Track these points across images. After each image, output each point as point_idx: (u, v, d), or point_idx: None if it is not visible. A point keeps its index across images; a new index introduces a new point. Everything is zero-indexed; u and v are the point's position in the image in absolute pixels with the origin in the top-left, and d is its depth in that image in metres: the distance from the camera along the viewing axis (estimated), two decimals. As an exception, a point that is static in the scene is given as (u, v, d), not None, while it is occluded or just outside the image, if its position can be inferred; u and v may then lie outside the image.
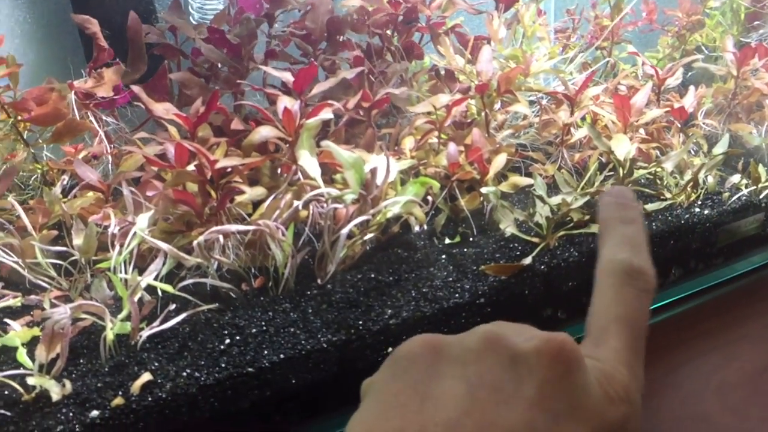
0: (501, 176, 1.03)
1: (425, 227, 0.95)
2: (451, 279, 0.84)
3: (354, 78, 1.09)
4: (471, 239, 0.93)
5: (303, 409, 0.76)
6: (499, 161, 0.98)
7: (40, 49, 1.22)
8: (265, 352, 0.72)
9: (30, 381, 0.66)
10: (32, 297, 0.80)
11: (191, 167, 0.86)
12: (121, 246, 0.79)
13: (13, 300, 0.79)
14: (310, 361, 0.73)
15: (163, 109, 0.93)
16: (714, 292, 1.02)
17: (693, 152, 1.15)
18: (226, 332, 0.75)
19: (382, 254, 0.89)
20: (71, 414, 0.65)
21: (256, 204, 0.91)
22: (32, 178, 1.03)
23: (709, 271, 1.04)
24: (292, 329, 0.76)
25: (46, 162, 1.01)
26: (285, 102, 0.88)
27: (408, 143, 1.03)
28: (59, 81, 0.99)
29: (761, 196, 1.03)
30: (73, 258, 0.84)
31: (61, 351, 0.68)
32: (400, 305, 0.79)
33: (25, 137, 0.98)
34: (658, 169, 1.03)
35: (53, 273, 0.83)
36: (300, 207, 0.83)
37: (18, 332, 0.73)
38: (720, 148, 1.05)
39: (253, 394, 0.71)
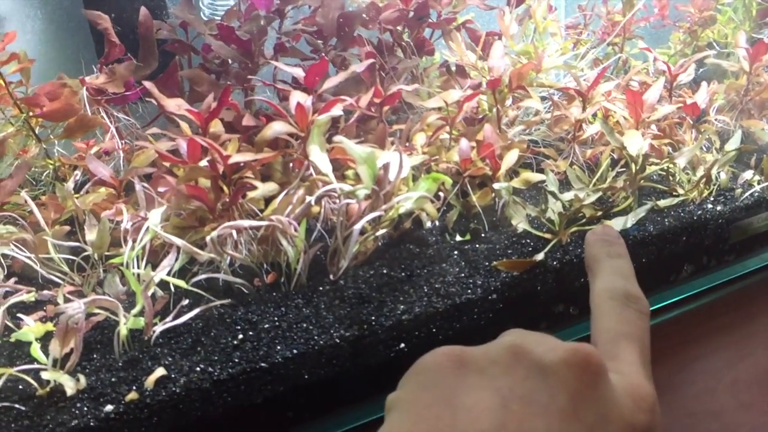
0: (513, 172, 1.03)
1: (437, 223, 0.95)
2: (463, 275, 0.83)
3: (365, 73, 1.09)
4: (483, 235, 0.92)
5: (316, 404, 0.76)
6: (511, 157, 0.98)
7: (51, 45, 1.22)
8: (278, 347, 0.72)
9: (44, 376, 0.67)
10: (45, 292, 0.80)
11: (204, 163, 0.86)
12: (134, 241, 0.79)
13: (27, 295, 0.79)
14: (322, 357, 0.73)
15: (175, 105, 0.93)
16: (726, 288, 1.02)
17: (705, 148, 1.14)
18: (239, 327, 0.75)
19: (394, 250, 0.89)
20: (86, 408, 0.65)
21: (268, 200, 0.91)
22: (44, 174, 1.03)
23: (722, 267, 1.03)
24: (304, 325, 0.76)
25: (58, 158, 1.01)
26: (297, 97, 0.88)
27: (419, 139, 1.03)
28: (71, 77, 1.00)
29: (774, 193, 1.03)
30: (86, 253, 0.84)
31: (75, 346, 0.69)
32: (413, 301, 0.79)
33: (37, 133, 0.98)
34: (671, 165, 1.03)
35: (66, 268, 0.83)
36: (312, 203, 0.83)
37: (32, 327, 0.73)
38: (732, 145, 1.05)
39: (266, 389, 0.71)
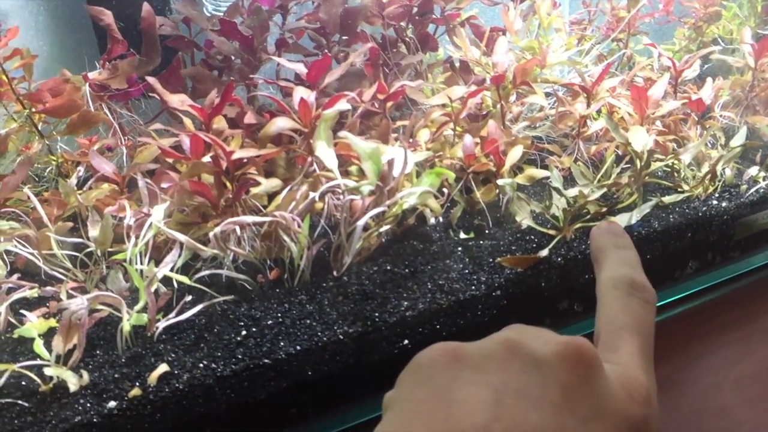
0: (517, 168, 1.03)
1: (441, 219, 0.95)
2: (467, 271, 0.83)
3: (368, 69, 1.09)
4: (487, 231, 0.92)
5: (319, 400, 0.76)
6: (515, 153, 0.97)
7: (54, 41, 1.22)
8: (282, 343, 0.72)
9: (47, 372, 0.66)
10: (48, 288, 0.80)
11: (207, 159, 0.85)
12: (137, 238, 0.79)
13: (30, 291, 0.79)
14: (326, 353, 0.73)
15: (178, 101, 0.93)
16: (731, 285, 1.02)
17: (710, 145, 1.14)
18: (242, 324, 0.75)
19: (397, 246, 0.89)
20: (89, 404, 0.64)
21: (272, 196, 0.91)
22: (47, 170, 1.03)
23: (727, 264, 1.03)
24: (308, 321, 0.75)
25: (60, 154, 1.01)
26: (301, 93, 0.88)
27: (423, 135, 1.02)
28: (73, 73, 0.99)
29: (780, 189, 1.03)
30: (89, 249, 0.84)
31: (78, 342, 0.68)
32: (416, 297, 0.79)
33: (39, 129, 0.98)
34: (676, 162, 1.02)
35: (69, 264, 0.83)
36: (316, 198, 0.82)
37: (35, 323, 0.73)
38: (738, 141, 1.04)
39: (269, 385, 0.71)
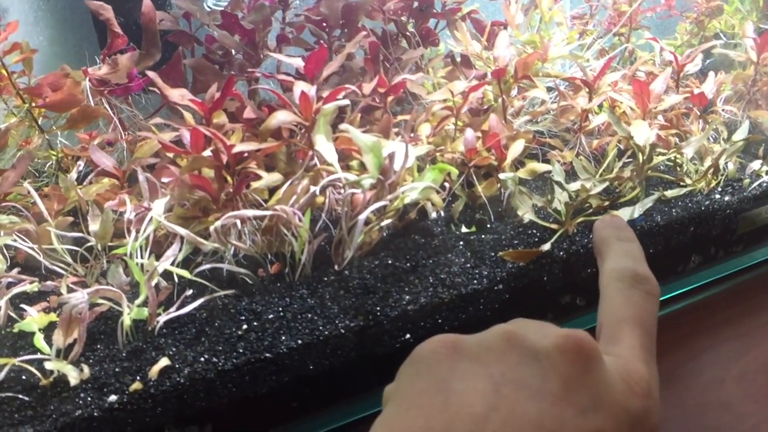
0: (518, 163, 1.02)
1: (442, 214, 0.94)
2: (469, 265, 0.83)
3: (369, 64, 1.09)
4: (488, 226, 0.92)
5: (321, 395, 0.75)
6: (517, 147, 0.97)
7: (54, 36, 1.21)
8: (283, 337, 0.72)
9: (48, 366, 0.66)
10: (49, 283, 0.80)
11: (207, 152, 0.85)
12: (137, 232, 0.79)
13: (30, 286, 0.78)
14: (327, 347, 0.73)
15: (178, 95, 0.93)
16: (734, 279, 1.01)
17: (712, 139, 1.13)
18: (243, 318, 0.75)
19: (399, 240, 0.88)
20: (89, 398, 0.64)
21: (273, 190, 0.90)
22: (47, 165, 1.03)
23: (729, 258, 1.03)
24: (309, 315, 0.75)
25: (61, 149, 1.00)
26: (302, 86, 0.87)
27: (424, 130, 1.02)
28: (73, 68, 0.99)
29: (782, 183, 1.02)
30: (89, 244, 0.83)
31: (79, 336, 0.68)
32: (418, 291, 0.79)
33: (39, 123, 0.98)
34: (678, 156, 1.02)
35: (69, 259, 0.83)
36: (317, 192, 0.82)
37: (35, 318, 0.73)
38: (740, 135, 1.04)
39: (271, 379, 0.71)
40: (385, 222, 0.86)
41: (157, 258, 0.77)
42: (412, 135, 1.01)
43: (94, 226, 0.83)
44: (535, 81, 1.07)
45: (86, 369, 0.67)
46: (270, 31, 1.10)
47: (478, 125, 1.03)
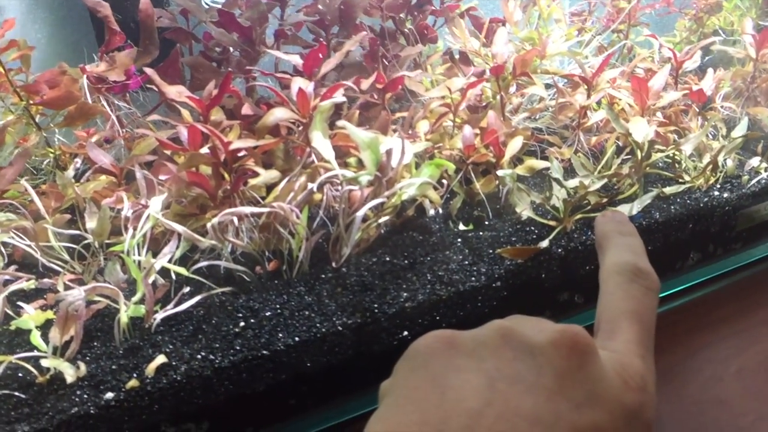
0: (517, 159, 1.02)
1: (440, 211, 0.94)
2: (467, 262, 0.83)
3: (367, 61, 1.08)
4: (487, 222, 0.92)
5: (318, 392, 0.75)
6: (515, 144, 0.97)
7: (52, 34, 1.21)
8: (280, 335, 0.72)
9: (44, 363, 0.66)
10: (46, 280, 0.80)
11: (205, 150, 0.85)
12: (135, 229, 0.79)
13: (27, 283, 0.78)
14: (325, 344, 0.73)
15: (176, 92, 0.92)
16: (733, 276, 1.01)
17: (711, 136, 1.13)
18: (240, 315, 0.74)
19: (397, 237, 0.88)
20: (86, 396, 0.64)
21: (270, 187, 0.90)
22: (45, 163, 1.03)
23: (728, 255, 1.02)
24: (306, 312, 0.75)
25: (58, 146, 1.00)
26: (299, 83, 0.87)
27: (422, 127, 1.02)
28: (71, 65, 0.99)
29: (781, 180, 1.02)
30: (87, 241, 0.83)
31: (76, 333, 0.68)
32: (416, 288, 0.78)
33: (37, 121, 0.98)
34: (677, 152, 1.02)
35: (66, 256, 0.83)
36: (314, 189, 0.82)
37: (32, 315, 0.73)
38: (739, 132, 1.04)
39: (268, 376, 0.71)
40: (383, 219, 0.86)
41: (155, 255, 0.77)
42: (410, 132, 1.01)
43: (91, 223, 0.83)
44: (534, 78, 1.07)
45: (83, 366, 0.67)
46: (267, 28, 1.10)
47: (477, 122, 1.03)
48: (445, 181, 0.94)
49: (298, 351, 0.71)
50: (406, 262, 0.83)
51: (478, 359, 0.40)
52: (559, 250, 0.85)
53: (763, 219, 1.02)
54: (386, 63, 1.14)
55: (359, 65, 1.10)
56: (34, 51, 0.97)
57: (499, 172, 0.91)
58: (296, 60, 0.96)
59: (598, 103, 1.12)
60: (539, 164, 0.99)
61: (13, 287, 0.76)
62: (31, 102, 0.95)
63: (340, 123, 0.84)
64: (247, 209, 0.80)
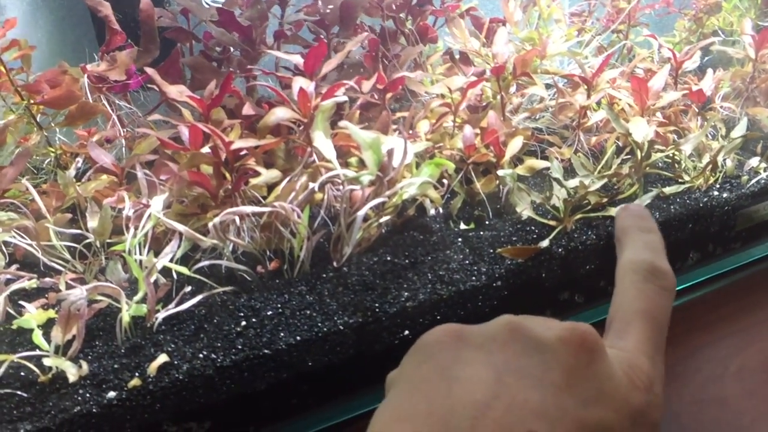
0: (517, 159, 1.02)
1: (441, 210, 0.95)
2: (467, 262, 0.83)
3: (368, 61, 1.09)
4: (487, 222, 0.92)
5: (320, 391, 0.75)
6: (516, 144, 0.97)
7: (53, 33, 1.21)
8: (282, 334, 0.72)
9: (46, 362, 0.66)
10: (47, 279, 0.80)
11: (206, 149, 0.85)
12: (136, 228, 0.79)
13: (28, 282, 0.78)
14: (326, 344, 0.73)
15: (177, 92, 0.93)
16: (732, 276, 1.01)
17: (711, 136, 1.13)
18: (242, 314, 0.75)
19: (397, 237, 0.88)
20: (88, 395, 0.64)
21: (271, 187, 0.90)
22: (46, 162, 1.03)
23: (728, 255, 1.03)
24: (308, 312, 0.75)
25: (59, 145, 1.00)
26: (300, 82, 0.87)
27: (423, 126, 1.02)
28: (72, 65, 0.99)
29: (781, 180, 1.02)
30: (88, 241, 0.83)
31: (78, 332, 0.68)
32: (417, 288, 0.79)
33: (38, 120, 0.98)
34: (676, 152, 1.02)
35: (68, 256, 0.83)
36: (315, 189, 0.82)
37: (33, 314, 0.73)
38: (738, 132, 1.04)
39: (270, 376, 0.71)
40: (384, 218, 0.86)
41: (156, 255, 0.77)
42: (410, 132, 1.01)
43: (92, 222, 0.83)
44: (534, 78, 1.07)
45: (85, 365, 0.67)
46: (267, 27, 1.10)
47: (477, 122, 1.03)
48: (445, 181, 0.94)
49: (300, 350, 0.71)
50: (407, 261, 0.83)
51: (486, 353, 0.40)
52: (560, 250, 0.85)
53: (763, 219, 1.03)
54: (386, 63, 1.14)
55: (359, 65, 1.10)
56: (35, 50, 0.98)
57: (500, 172, 0.91)
58: (297, 59, 0.96)
59: (598, 103, 1.12)
60: (539, 164, 0.99)
61: (14, 286, 0.76)
62: (32, 101, 0.95)
63: (342, 123, 0.84)
64: (249, 209, 0.80)
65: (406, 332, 0.76)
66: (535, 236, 0.88)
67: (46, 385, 0.66)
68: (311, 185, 0.82)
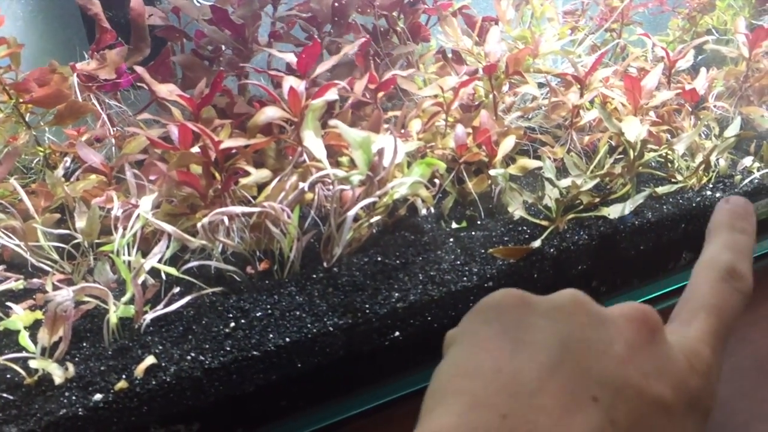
0: (509, 159, 1.02)
1: (432, 210, 0.94)
2: (459, 262, 0.82)
3: (360, 60, 1.08)
4: (479, 222, 0.91)
5: (309, 393, 0.75)
6: (508, 143, 0.97)
7: (43, 32, 1.20)
8: (271, 335, 0.71)
9: (32, 364, 0.66)
10: (35, 280, 0.79)
11: (195, 149, 0.84)
12: (125, 229, 0.78)
13: (15, 283, 0.78)
14: (316, 345, 0.72)
15: (167, 91, 0.92)
16: (725, 276, 1.01)
17: (704, 135, 1.13)
18: (230, 315, 0.74)
19: (388, 237, 0.88)
20: (74, 397, 0.64)
21: (261, 187, 0.90)
22: (34, 162, 1.02)
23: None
24: (297, 313, 0.74)
25: (48, 145, 1.00)
26: (290, 82, 0.87)
27: (415, 126, 1.01)
28: (61, 63, 0.98)
29: (774, 179, 1.02)
30: (76, 241, 0.83)
31: (64, 334, 0.67)
32: (408, 288, 0.78)
33: (26, 119, 0.97)
34: (669, 152, 1.02)
35: (56, 256, 0.82)
36: (306, 189, 0.81)
37: (20, 316, 0.72)
38: (732, 131, 1.03)
39: (259, 377, 0.70)
40: (375, 218, 0.85)
41: (145, 255, 0.77)
42: (402, 131, 1.01)
43: (80, 223, 0.83)
44: (527, 77, 1.07)
45: (71, 367, 0.66)
46: (260, 25, 1.09)
47: (469, 121, 1.02)
48: (437, 181, 0.94)
49: (289, 352, 0.71)
50: (397, 262, 0.83)
51: (551, 320, 0.41)
52: (552, 250, 0.85)
53: (756, 218, 1.02)
54: (378, 62, 1.14)
55: (351, 64, 1.10)
56: (24, 49, 0.97)
57: (492, 172, 0.91)
58: (291, 58, 0.96)
59: (591, 102, 1.12)
60: (532, 163, 0.98)
61: (1, 287, 0.76)
62: (21, 100, 0.94)
63: (332, 122, 0.84)
64: (238, 209, 0.79)
65: (396, 333, 0.76)
66: (527, 236, 0.87)
67: (32, 388, 0.65)
68: (301, 185, 0.82)
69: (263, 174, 0.88)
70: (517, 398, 0.36)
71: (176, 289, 0.77)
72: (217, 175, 0.85)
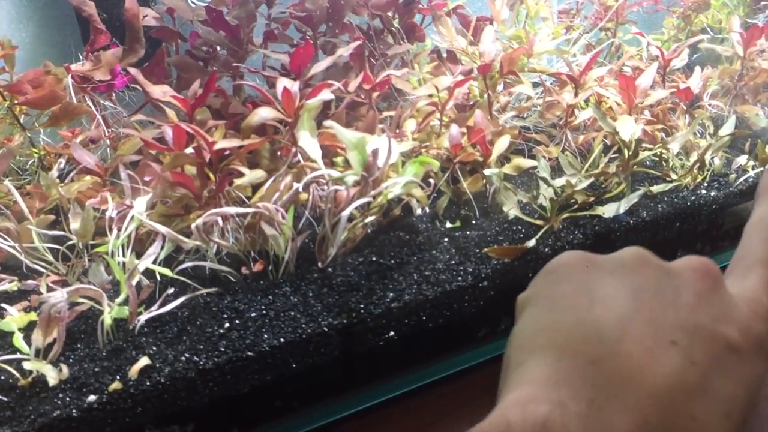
0: (504, 158, 1.02)
1: (427, 210, 0.94)
2: (453, 262, 0.82)
3: (354, 60, 1.08)
4: (474, 222, 0.91)
5: (304, 393, 0.75)
6: (502, 143, 0.97)
7: (38, 33, 1.20)
8: (265, 336, 0.71)
9: (26, 366, 0.65)
10: (29, 282, 0.79)
11: (189, 150, 0.84)
12: (119, 230, 0.78)
13: (10, 284, 0.78)
14: (310, 345, 0.72)
15: (161, 92, 0.92)
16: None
17: (699, 134, 1.13)
18: (225, 316, 0.74)
19: (383, 237, 0.88)
20: (68, 399, 0.64)
21: (256, 187, 0.90)
22: (29, 163, 1.02)
23: (716, 253, 1.02)
24: (292, 313, 0.74)
25: (43, 146, 0.99)
26: (284, 82, 0.87)
27: (409, 126, 1.02)
28: (56, 64, 0.98)
29: (768, 178, 1.02)
30: (71, 242, 0.83)
31: (58, 335, 0.67)
32: (402, 288, 0.78)
33: (21, 121, 0.97)
34: (664, 151, 1.02)
35: (50, 257, 0.82)
36: (300, 189, 0.81)
37: (14, 317, 0.72)
38: (726, 130, 1.03)
39: (253, 378, 0.70)
40: (369, 219, 0.85)
41: (139, 256, 0.77)
42: (397, 131, 1.01)
43: (75, 224, 0.82)
44: (521, 76, 1.07)
45: (65, 369, 0.66)
46: (254, 26, 1.09)
47: (464, 121, 1.02)
48: (432, 181, 0.94)
49: (284, 352, 0.71)
50: (392, 261, 0.83)
51: (619, 276, 0.42)
52: (546, 250, 0.85)
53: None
54: (373, 62, 1.14)
55: (346, 64, 1.10)
56: (19, 51, 0.97)
57: (486, 171, 0.91)
58: (286, 59, 0.96)
59: (586, 101, 1.12)
60: (526, 163, 0.98)
61: (-5, 289, 0.76)
62: (15, 102, 0.94)
63: (327, 123, 0.84)
64: (233, 209, 0.79)
65: (392, 333, 0.76)
66: (521, 236, 0.87)
67: (26, 389, 0.65)
68: (296, 185, 0.82)
69: (258, 174, 0.88)
70: (602, 345, 0.38)
71: (171, 290, 0.77)
72: (211, 175, 0.85)
